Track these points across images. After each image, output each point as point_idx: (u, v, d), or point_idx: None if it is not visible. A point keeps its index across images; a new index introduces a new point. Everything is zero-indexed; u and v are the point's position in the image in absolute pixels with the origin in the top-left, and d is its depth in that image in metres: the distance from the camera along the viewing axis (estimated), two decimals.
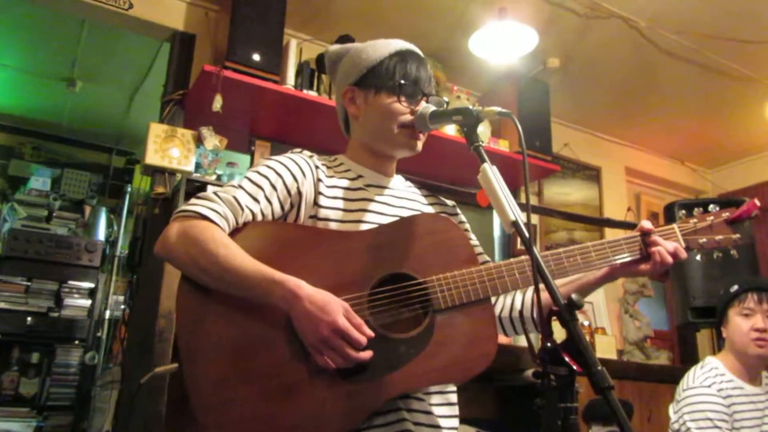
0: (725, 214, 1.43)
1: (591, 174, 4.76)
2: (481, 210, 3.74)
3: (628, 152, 5.05)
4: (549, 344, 1.02)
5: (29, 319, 4.17)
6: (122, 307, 3.37)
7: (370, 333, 1.18)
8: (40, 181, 5.13)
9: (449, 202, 1.59)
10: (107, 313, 4.34)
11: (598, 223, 4.53)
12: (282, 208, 1.33)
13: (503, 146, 3.75)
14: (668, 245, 1.38)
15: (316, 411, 1.15)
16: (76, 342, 4.32)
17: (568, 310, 1.01)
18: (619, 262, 1.39)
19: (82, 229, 4.94)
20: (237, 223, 1.27)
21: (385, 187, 1.47)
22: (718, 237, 1.43)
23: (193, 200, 1.28)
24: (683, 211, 1.46)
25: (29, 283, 4.25)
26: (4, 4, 3.76)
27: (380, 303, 1.24)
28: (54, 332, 4.25)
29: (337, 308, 1.16)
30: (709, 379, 2.19)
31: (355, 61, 1.46)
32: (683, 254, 1.38)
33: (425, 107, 1.38)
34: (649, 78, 4.07)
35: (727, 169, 5.33)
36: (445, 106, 1.42)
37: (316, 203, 1.35)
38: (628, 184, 5.02)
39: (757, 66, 3.88)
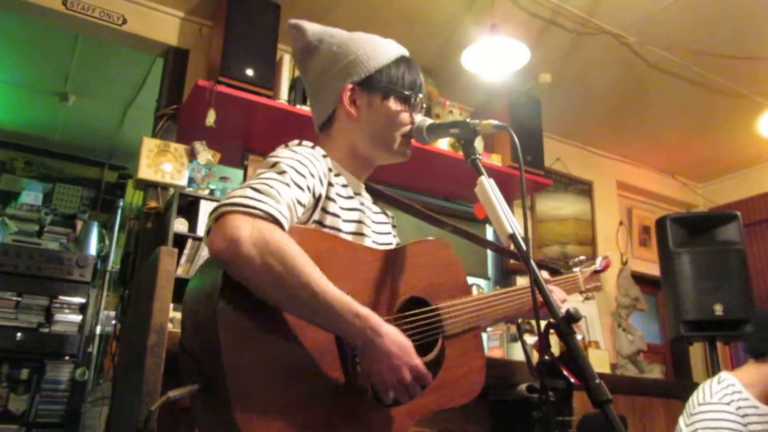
0: (591, 268, 1.86)
1: (583, 188, 4.78)
2: (476, 223, 3.75)
3: (619, 166, 5.09)
4: (547, 357, 1.02)
5: (19, 334, 4.12)
6: (113, 322, 3.34)
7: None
8: (31, 195, 5.10)
9: (390, 214, 1.55)
10: (98, 329, 4.30)
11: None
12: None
13: (496, 160, 3.76)
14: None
15: None
16: (67, 358, 4.26)
17: (566, 324, 1.00)
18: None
19: (73, 244, 4.90)
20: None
21: (361, 196, 1.42)
22: (594, 284, 1.87)
23: (251, 193, 1.06)
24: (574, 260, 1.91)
25: (19, 299, 4.20)
26: None
27: (405, 328, 1.23)
28: (44, 348, 4.19)
29: (413, 349, 1.14)
30: (728, 396, 2.15)
31: (356, 57, 1.37)
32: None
33: (422, 120, 1.37)
34: (639, 93, 4.10)
35: (717, 183, 5.38)
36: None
37: (323, 208, 1.25)
38: (619, 198, 5.05)
39: (746, 81, 3.92)
